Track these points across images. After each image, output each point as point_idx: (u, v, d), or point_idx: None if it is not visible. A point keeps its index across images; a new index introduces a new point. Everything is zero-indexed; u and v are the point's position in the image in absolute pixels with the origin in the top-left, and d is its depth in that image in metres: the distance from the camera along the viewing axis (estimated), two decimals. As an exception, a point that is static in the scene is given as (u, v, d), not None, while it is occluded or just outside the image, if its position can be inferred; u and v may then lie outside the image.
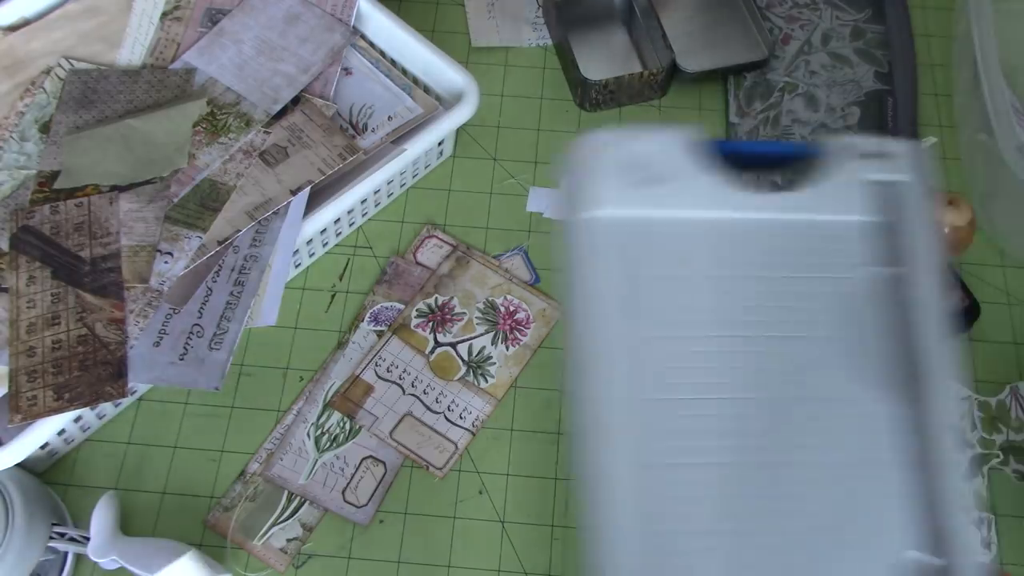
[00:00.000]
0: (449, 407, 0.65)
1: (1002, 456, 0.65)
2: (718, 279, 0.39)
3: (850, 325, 0.39)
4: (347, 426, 0.65)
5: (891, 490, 0.37)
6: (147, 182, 0.65)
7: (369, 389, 0.66)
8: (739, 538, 0.37)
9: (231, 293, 0.61)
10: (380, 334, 0.68)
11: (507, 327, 0.68)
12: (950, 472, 0.37)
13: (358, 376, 0.66)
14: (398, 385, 0.66)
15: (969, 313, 0.68)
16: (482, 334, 0.68)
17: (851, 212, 0.40)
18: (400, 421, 0.65)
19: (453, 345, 0.68)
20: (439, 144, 0.72)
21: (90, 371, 0.57)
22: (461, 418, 0.65)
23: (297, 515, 0.62)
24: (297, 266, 0.70)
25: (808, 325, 0.39)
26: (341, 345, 0.68)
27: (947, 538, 0.36)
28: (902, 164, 0.41)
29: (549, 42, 0.82)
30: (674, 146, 0.40)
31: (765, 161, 0.44)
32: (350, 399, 0.65)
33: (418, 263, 0.71)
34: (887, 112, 0.77)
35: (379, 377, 0.66)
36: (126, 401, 0.64)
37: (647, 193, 0.39)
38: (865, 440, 0.38)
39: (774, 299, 0.39)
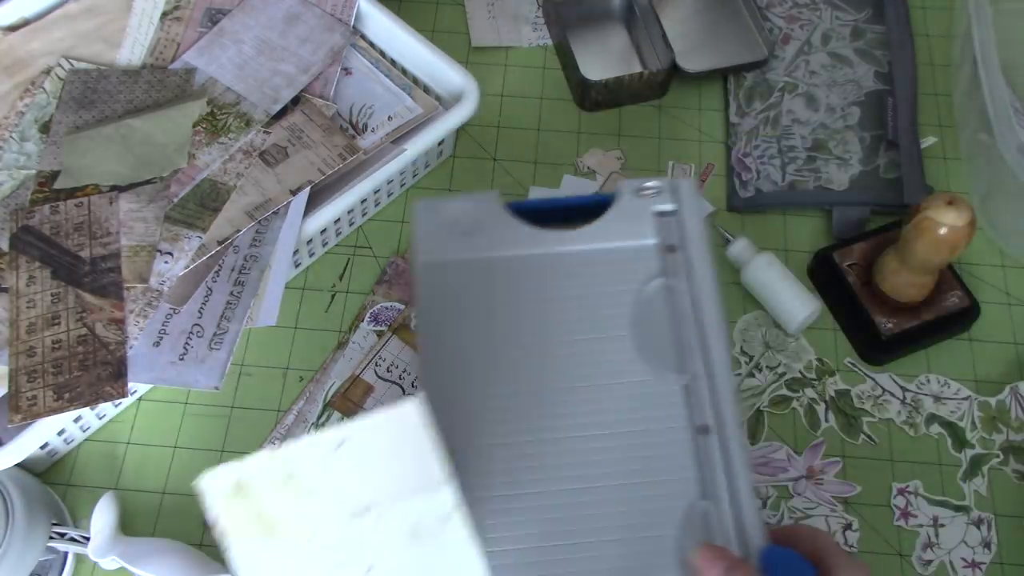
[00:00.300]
0: (449, 407, 0.65)
1: (1002, 456, 0.65)
2: (532, 300, 0.50)
3: (646, 324, 0.49)
4: (347, 426, 0.65)
5: (682, 450, 0.46)
6: (147, 182, 0.65)
7: (369, 389, 0.66)
8: (546, 498, 0.45)
9: (231, 293, 0.61)
10: (380, 334, 0.68)
11: (507, 327, 0.68)
12: (729, 432, 0.46)
13: (358, 376, 0.66)
14: (398, 385, 0.66)
15: (969, 313, 0.68)
16: (482, 334, 0.68)
17: (642, 238, 0.51)
18: (400, 421, 0.65)
19: (453, 345, 0.68)
20: (439, 144, 0.72)
21: (90, 371, 0.57)
22: (461, 418, 0.65)
23: (297, 515, 0.62)
24: (297, 266, 0.70)
25: (611, 327, 0.49)
26: (341, 345, 0.68)
27: (728, 486, 0.45)
28: (677, 196, 0.52)
29: (549, 42, 0.82)
30: (485, 205, 0.52)
31: (559, 214, 0.53)
32: (350, 399, 0.65)
33: (418, 263, 0.71)
34: (887, 112, 0.77)
35: (379, 377, 0.66)
36: (126, 401, 0.64)
37: (466, 241, 0.51)
38: (660, 411, 0.47)
39: (581, 311, 0.50)
